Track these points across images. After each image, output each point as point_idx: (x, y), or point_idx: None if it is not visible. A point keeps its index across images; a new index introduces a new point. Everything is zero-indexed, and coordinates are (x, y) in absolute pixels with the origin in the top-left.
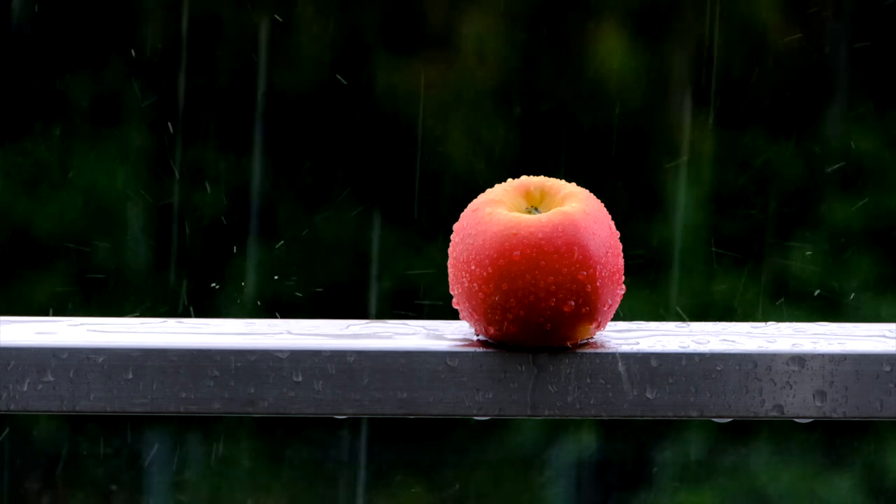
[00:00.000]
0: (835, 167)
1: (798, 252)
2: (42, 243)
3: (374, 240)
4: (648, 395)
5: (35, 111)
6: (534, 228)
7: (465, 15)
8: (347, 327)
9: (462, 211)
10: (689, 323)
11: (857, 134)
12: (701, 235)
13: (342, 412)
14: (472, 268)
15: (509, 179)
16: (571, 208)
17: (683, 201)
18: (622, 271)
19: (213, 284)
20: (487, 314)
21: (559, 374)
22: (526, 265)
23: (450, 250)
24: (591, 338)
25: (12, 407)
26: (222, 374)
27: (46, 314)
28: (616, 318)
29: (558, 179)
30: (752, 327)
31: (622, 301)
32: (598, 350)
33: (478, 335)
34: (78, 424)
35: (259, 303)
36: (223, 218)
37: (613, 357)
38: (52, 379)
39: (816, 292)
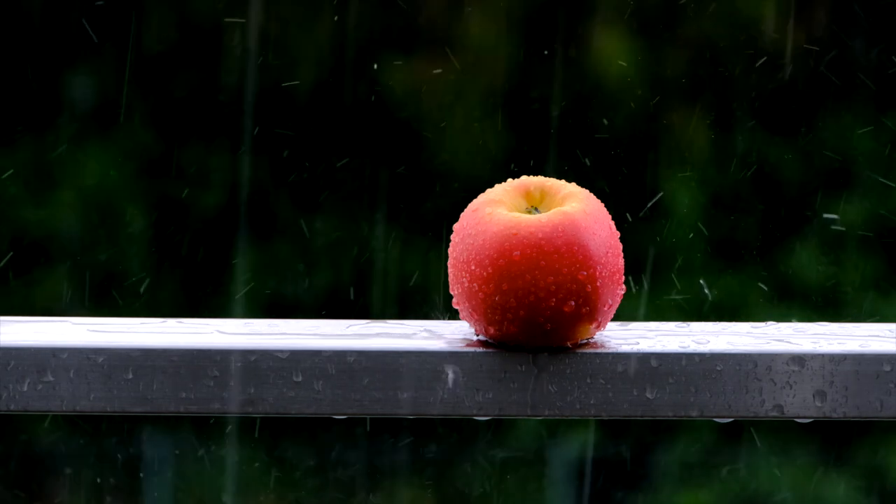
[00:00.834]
0: (835, 167)
1: (798, 252)
2: (42, 243)
3: (373, 240)
4: (648, 395)
5: (35, 111)
6: (534, 228)
7: (465, 15)
8: (347, 327)
9: (462, 211)
10: (689, 323)
11: (858, 134)
12: (701, 235)
13: (342, 412)
14: (473, 268)
15: (509, 179)
16: (571, 208)
17: (683, 201)
18: (622, 271)
19: (213, 284)
20: (487, 314)
21: (559, 374)
22: (526, 265)
23: (450, 250)
24: (591, 338)
25: (12, 407)
26: (222, 374)
27: (46, 314)
28: (616, 318)
29: (558, 179)
30: (752, 327)
31: (622, 301)
32: (598, 350)
33: (478, 335)
34: (77, 424)
35: (259, 303)
36: (223, 218)
37: (613, 357)
38: (52, 379)
39: (816, 292)
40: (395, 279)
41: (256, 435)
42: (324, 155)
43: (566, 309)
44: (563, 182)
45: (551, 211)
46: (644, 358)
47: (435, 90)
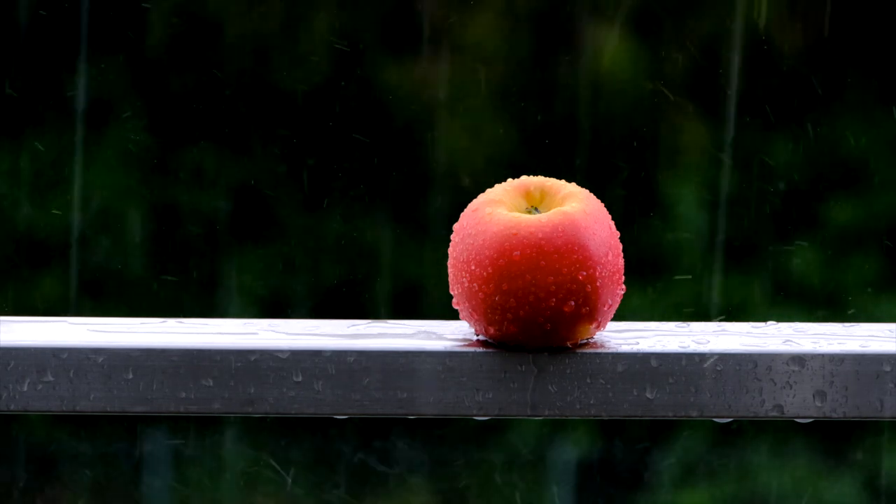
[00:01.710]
0: (835, 167)
1: (798, 252)
2: (42, 243)
3: (373, 240)
4: (648, 395)
5: (35, 111)
6: (534, 228)
7: (465, 15)
8: (348, 327)
9: (462, 211)
10: (689, 323)
11: (858, 133)
12: (701, 235)
13: (342, 412)
14: (472, 268)
15: (509, 179)
16: (571, 208)
17: (683, 201)
18: (622, 271)
19: (213, 285)
20: (487, 314)
21: (559, 374)
22: (526, 265)
23: (450, 250)
24: (591, 338)
25: (12, 407)
26: (222, 374)
27: (46, 314)
28: (616, 317)
29: (558, 179)
30: (752, 327)
31: (622, 301)
32: (598, 350)
33: (478, 335)
34: (77, 424)
35: (259, 303)
36: (223, 218)
37: (613, 357)
38: (52, 379)
39: (816, 292)
40: (395, 279)
41: (256, 435)
42: (324, 155)
43: (566, 309)
44: (563, 182)
45: (551, 211)
46: (644, 358)
47: (435, 90)
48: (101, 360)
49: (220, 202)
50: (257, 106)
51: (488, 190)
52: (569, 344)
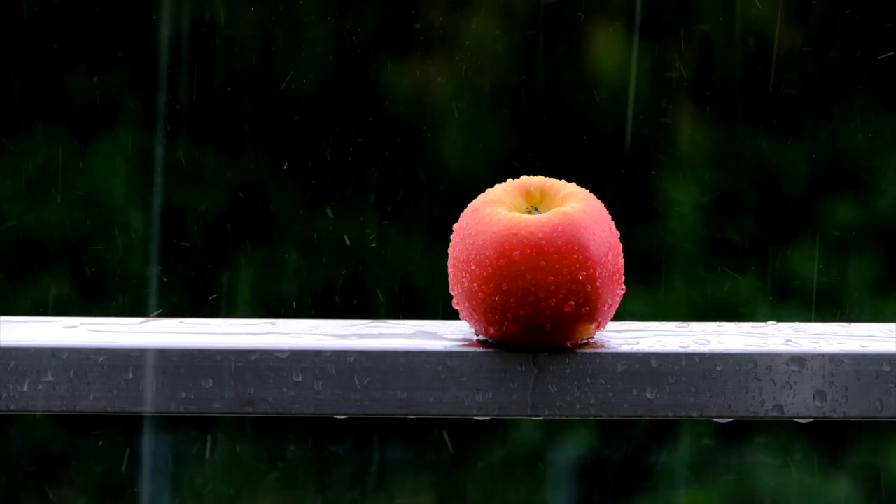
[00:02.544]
0: (835, 166)
1: (798, 252)
2: (42, 243)
3: (374, 240)
4: (648, 395)
5: (35, 111)
6: (534, 228)
7: (464, 15)
8: (348, 327)
9: (462, 211)
10: (689, 323)
11: (858, 133)
12: (701, 235)
13: (342, 412)
14: (472, 268)
15: (509, 179)
16: (571, 208)
17: (683, 201)
18: (622, 271)
19: (213, 284)
20: (487, 314)
21: (559, 374)
22: (526, 265)
23: (450, 250)
24: (591, 338)
25: (12, 407)
26: (222, 374)
27: (46, 314)
28: (616, 317)
29: (558, 179)
30: (752, 327)
31: (622, 301)
32: (598, 350)
33: (478, 335)
34: (76, 424)
35: (259, 303)
36: (223, 218)
37: (613, 357)
38: (52, 379)
39: (816, 292)
40: (395, 279)
41: (256, 434)
42: (324, 155)
43: (566, 309)
44: (563, 182)
45: (551, 211)
46: (644, 358)
47: (435, 90)
48: (101, 360)
49: (221, 202)
50: (257, 105)
51: (488, 190)
52: (569, 344)
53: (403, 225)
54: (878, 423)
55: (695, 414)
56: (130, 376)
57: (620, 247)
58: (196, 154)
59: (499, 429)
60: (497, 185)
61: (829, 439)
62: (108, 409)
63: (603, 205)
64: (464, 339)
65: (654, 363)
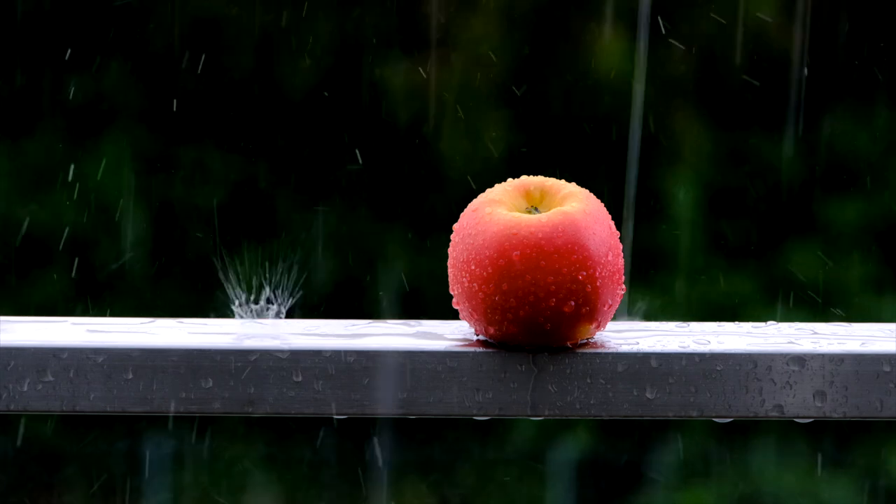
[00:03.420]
0: (835, 167)
1: (798, 252)
2: (42, 243)
3: (373, 239)
4: (648, 395)
5: (35, 111)
6: (534, 228)
7: (465, 15)
8: (347, 327)
9: (462, 211)
10: (689, 323)
11: (858, 134)
12: (701, 236)
13: (342, 412)
14: (472, 268)
15: (509, 179)
16: (571, 208)
17: (683, 201)
18: (622, 271)
19: (213, 284)
20: (487, 314)
21: (559, 374)
22: (526, 265)
23: (450, 250)
24: (591, 338)
25: (12, 407)
26: (222, 374)
27: (46, 314)
28: (616, 318)
29: (558, 179)
30: (752, 327)
31: (622, 301)
32: (598, 350)
33: (478, 335)
34: (76, 424)
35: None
36: (223, 217)
37: (613, 357)
38: (52, 379)
39: (816, 292)
40: (395, 279)
41: (256, 434)
42: (324, 155)
43: (566, 309)
44: (563, 182)
45: (551, 211)
46: (644, 358)
47: (435, 90)
48: (101, 360)
49: (221, 201)
50: (258, 105)
51: (488, 190)
52: (569, 344)
53: (403, 224)
54: (878, 423)
55: (695, 414)
56: (130, 376)
57: (620, 247)
58: (196, 153)
59: (499, 429)
60: (497, 185)
61: (829, 439)
62: (108, 409)
63: (603, 205)
64: (464, 339)
65: (654, 363)
